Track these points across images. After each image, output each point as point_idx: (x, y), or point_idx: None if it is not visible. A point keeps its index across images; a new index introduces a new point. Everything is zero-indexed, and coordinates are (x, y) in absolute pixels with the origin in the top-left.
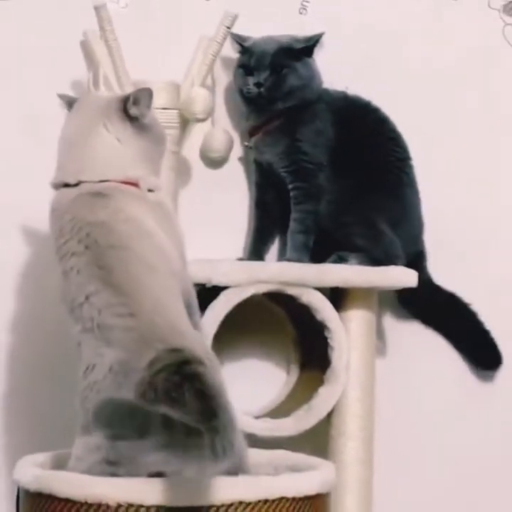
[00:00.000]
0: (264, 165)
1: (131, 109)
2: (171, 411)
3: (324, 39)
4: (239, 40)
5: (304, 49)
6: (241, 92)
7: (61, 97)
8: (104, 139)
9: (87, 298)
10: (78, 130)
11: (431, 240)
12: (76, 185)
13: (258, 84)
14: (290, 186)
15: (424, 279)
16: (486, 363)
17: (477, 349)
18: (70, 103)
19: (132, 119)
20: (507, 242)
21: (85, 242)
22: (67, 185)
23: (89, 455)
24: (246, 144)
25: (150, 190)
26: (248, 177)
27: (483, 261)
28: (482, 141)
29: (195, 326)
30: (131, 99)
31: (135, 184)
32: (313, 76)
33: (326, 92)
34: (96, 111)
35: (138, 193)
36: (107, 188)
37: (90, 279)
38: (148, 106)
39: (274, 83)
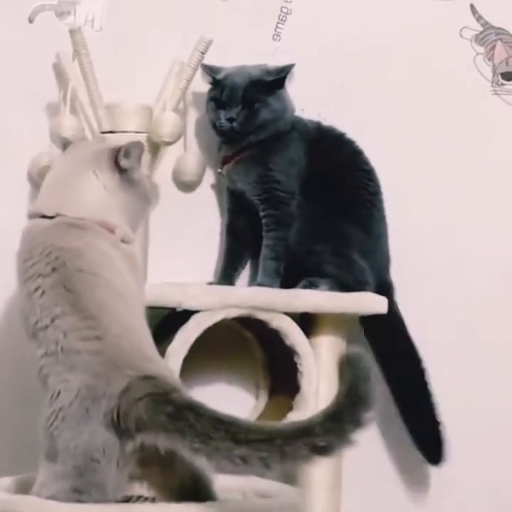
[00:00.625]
0: (236, 193)
1: (122, 160)
2: (164, 438)
3: (298, 63)
4: (210, 73)
5: (275, 81)
6: (213, 125)
7: (59, 139)
8: (92, 184)
9: (52, 320)
10: (67, 171)
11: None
12: (52, 217)
13: (230, 120)
14: (262, 213)
15: (391, 311)
16: (429, 456)
17: (425, 439)
18: (64, 145)
19: (121, 171)
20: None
21: (53, 265)
22: (43, 216)
23: (55, 482)
24: (219, 171)
25: (123, 241)
26: (220, 202)
27: (450, 286)
28: (452, 166)
29: None
30: (122, 151)
31: (111, 230)
32: (285, 108)
33: (300, 120)
34: (88, 157)
35: (112, 237)
36: (84, 223)
37: (57, 301)
38: (139, 160)
39: (246, 118)
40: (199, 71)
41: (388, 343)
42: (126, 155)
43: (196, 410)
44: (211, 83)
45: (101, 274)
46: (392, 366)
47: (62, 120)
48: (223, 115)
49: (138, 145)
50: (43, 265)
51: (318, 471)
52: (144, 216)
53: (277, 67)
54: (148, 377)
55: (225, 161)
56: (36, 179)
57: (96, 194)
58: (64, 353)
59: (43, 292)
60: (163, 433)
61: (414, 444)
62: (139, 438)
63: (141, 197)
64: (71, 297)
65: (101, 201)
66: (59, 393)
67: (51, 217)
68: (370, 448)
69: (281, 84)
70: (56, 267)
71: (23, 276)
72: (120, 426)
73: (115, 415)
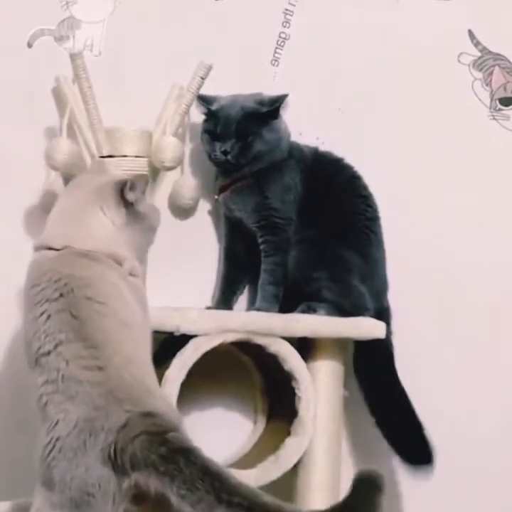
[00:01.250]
0: (233, 220)
1: (128, 194)
2: (155, 479)
3: (295, 87)
4: (205, 103)
5: (270, 112)
6: (209, 156)
7: (62, 172)
8: (100, 220)
9: (55, 347)
10: (74, 206)
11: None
12: (60, 250)
13: (225, 152)
14: (260, 240)
15: (387, 336)
16: (417, 459)
17: (408, 446)
18: (66, 178)
19: (128, 205)
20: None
21: (61, 290)
22: (50, 248)
23: (52, 510)
24: (216, 198)
25: (131, 274)
26: (217, 227)
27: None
28: (450, 190)
29: None
30: (128, 185)
31: (119, 263)
32: (280, 138)
33: (296, 147)
34: (94, 192)
35: (119, 269)
36: (93, 254)
37: (61, 327)
38: (144, 192)
39: (240, 150)
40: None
41: (373, 366)
42: (132, 188)
43: (188, 456)
44: (206, 114)
45: (108, 304)
46: (373, 389)
47: (57, 143)
48: (218, 147)
49: (143, 178)
50: (50, 291)
51: (317, 497)
52: (151, 244)
53: (271, 98)
54: (147, 414)
55: (221, 189)
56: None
57: (104, 230)
58: (65, 381)
59: (49, 317)
60: (154, 473)
61: (401, 457)
62: (133, 476)
63: (148, 229)
64: (76, 324)
65: (109, 236)
66: (57, 423)
67: (58, 250)
68: None
69: (275, 114)
70: (64, 292)
71: (29, 302)
72: (116, 462)
73: (112, 451)
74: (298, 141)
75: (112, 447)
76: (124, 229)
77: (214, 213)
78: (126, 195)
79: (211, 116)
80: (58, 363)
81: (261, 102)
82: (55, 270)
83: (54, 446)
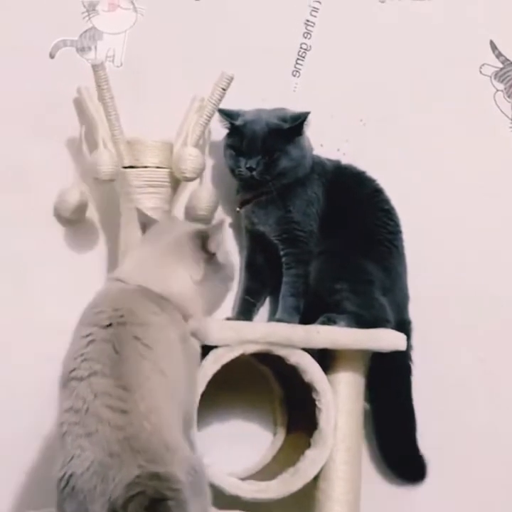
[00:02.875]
0: (255, 232)
1: (210, 246)
2: None
3: (316, 99)
4: (228, 118)
5: (293, 129)
6: (232, 171)
7: (139, 215)
8: (179, 273)
9: (89, 376)
10: (155, 255)
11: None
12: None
13: (250, 169)
14: (282, 252)
15: (407, 350)
16: (409, 476)
17: (401, 461)
18: (144, 224)
19: (208, 257)
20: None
21: (114, 320)
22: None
23: None
24: (237, 210)
25: (192, 335)
26: (238, 239)
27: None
28: (473, 202)
29: (187, 439)
30: (209, 237)
31: (186, 319)
32: (304, 155)
33: (318, 161)
34: (175, 245)
35: (182, 326)
36: (164, 301)
37: (100, 358)
38: (222, 241)
39: (265, 167)
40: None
41: (389, 379)
42: (213, 239)
43: None
44: (229, 128)
45: (153, 350)
46: (383, 400)
47: (100, 155)
48: (243, 164)
49: (220, 226)
50: (104, 317)
51: (337, 509)
52: (227, 293)
53: (294, 114)
54: (154, 476)
55: (243, 203)
56: (65, 216)
57: (182, 282)
58: (87, 415)
59: (92, 341)
60: None
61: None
62: None
63: (224, 280)
64: (115, 359)
65: (185, 289)
66: (72, 458)
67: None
68: (391, 492)
69: (299, 131)
70: (115, 323)
71: (82, 320)
72: None
73: (116, 506)
74: (319, 154)
75: (117, 502)
76: (201, 283)
77: (235, 225)
78: (208, 246)
79: (235, 131)
80: (86, 394)
81: (284, 119)
82: (118, 300)
83: (67, 482)
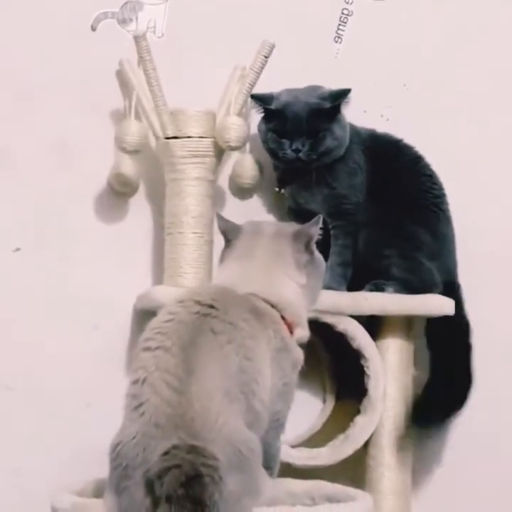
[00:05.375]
0: (302, 211)
1: (312, 245)
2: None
3: (358, 64)
4: (262, 104)
5: (335, 107)
6: (275, 155)
7: (219, 220)
8: (286, 283)
9: (157, 348)
10: (258, 268)
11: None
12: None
13: (296, 151)
14: (330, 226)
15: (458, 312)
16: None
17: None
18: (227, 231)
19: (310, 257)
20: None
21: (202, 311)
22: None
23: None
24: (277, 190)
25: (297, 341)
26: (278, 207)
27: None
28: None
29: (266, 439)
30: (308, 236)
31: (290, 327)
32: (346, 132)
33: (355, 131)
34: (278, 252)
35: (287, 339)
36: (268, 311)
37: (173, 337)
38: (315, 239)
39: (311, 148)
40: (262, 77)
41: (447, 344)
42: (311, 239)
43: (196, 508)
44: (265, 112)
45: (227, 348)
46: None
47: (127, 126)
48: (288, 146)
49: (318, 223)
50: (194, 304)
51: (387, 475)
52: (321, 288)
53: (333, 92)
54: (192, 449)
55: (284, 183)
56: (114, 186)
57: (291, 292)
58: (144, 385)
59: (171, 320)
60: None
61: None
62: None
63: (320, 276)
64: (186, 343)
65: (295, 298)
66: (124, 428)
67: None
68: (442, 457)
69: (339, 108)
70: (201, 313)
71: (178, 298)
72: (152, 488)
73: (151, 475)
74: (363, 121)
75: (152, 470)
76: (305, 287)
77: (276, 200)
78: (311, 247)
79: (274, 114)
80: (149, 365)
81: (323, 97)
82: (221, 297)
83: (114, 450)
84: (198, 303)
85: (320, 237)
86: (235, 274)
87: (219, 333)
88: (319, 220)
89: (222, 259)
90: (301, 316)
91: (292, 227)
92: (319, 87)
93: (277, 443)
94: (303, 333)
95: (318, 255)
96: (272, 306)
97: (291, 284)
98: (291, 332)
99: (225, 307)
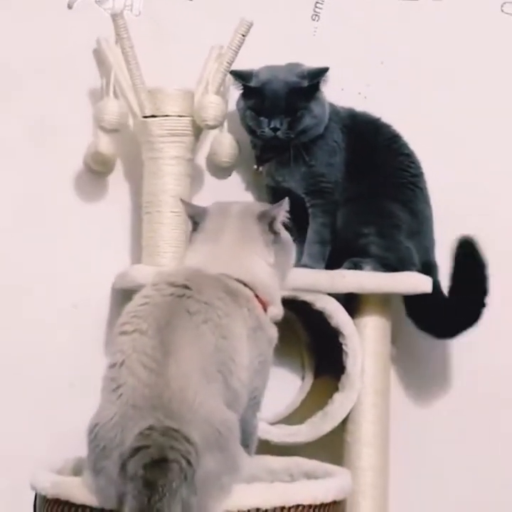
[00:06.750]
0: (279, 189)
1: (276, 225)
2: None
3: (336, 42)
4: (241, 80)
5: (314, 86)
6: (253, 132)
7: (185, 206)
8: (257, 262)
9: (133, 331)
10: (227, 248)
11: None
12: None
13: (274, 129)
14: (308, 204)
15: (436, 291)
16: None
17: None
18: (194, 214)
19: (275, 237)
20: None
21: (177, 292)
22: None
23: (99, 493)
24: (256, 168)
25: (272, 320)
26: (256, 187)
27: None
28: (494, 144)
29: (244, 417)
30: (271, 217)
31: (263, 305)
32: (325, 110)
33: (334, 109)
34: (245, 233)
35: (261, 317)
36: (242, 291)
37: (150, 320)
38: (280, 220)
39: (289, 126)
40: (240, 57)
41: (431, 320)
42: (275, 218)
43: (154, 494)
44: (244, 90)
45: (202, 328)
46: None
47: (107, 105)
48: (265, 124)
49: (283, 205)
50: (167, 286)
51: (365, 452)
52: (292, 266)
53: (311, 70)
54: (166, 431)
55: (263, 161)
56: (91, 165)
57: (262, 270)
58: (122, 368)
59: (147, 303)
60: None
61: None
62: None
63: (289, 256)
64: (162, 325)
65: (267, 276)
66: (102, 409)
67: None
68: (420, 433)
69: (318, 87)
70: (176, 294)
71: (151, 282)
72: (123, 470)
73: (126, 455)
74: (340, 98)
75: (127, 451)
76: (274, 266)
77: (252, 178)
78: (275, 227)
79: (253, 92)
80: (127, 348)
81: (302, 75)
82: (194, 278)
83: (92, 431)
84: (172, 284)
85: (288, 218)
86: (205, 255)
87: (194, 314)
88: (285, 202)
89: (190, 243)
90: (274, 294)
91: (258, 206)
92: (299, 64)
93: (254, 420)
94: (276, 310)
95: (284, 234)
96: (245, 285)
97: (261, 262)
98: (265, 310)
99: (199, 287)
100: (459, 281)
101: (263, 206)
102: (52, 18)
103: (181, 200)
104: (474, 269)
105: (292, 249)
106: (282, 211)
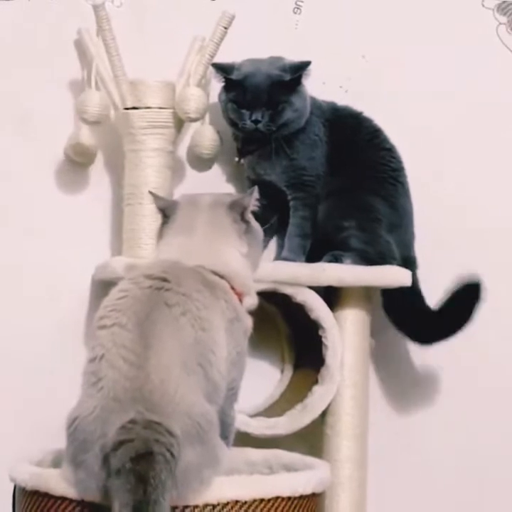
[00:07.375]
0: (261, 182)
1: (247, 215)
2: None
3: (317, 36)
4: (223, 73)
5: (295, 80)
6: (234, 125)
7: (155, 199)
8: (230, 252)
9: (113, 325)
10: (201, 240)
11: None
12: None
13: (255, 122)
14: (289, 197)
15: (413, 285)
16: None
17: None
18: (164, 207)
19: (247, 227)
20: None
21: (155, 285)
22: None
23: (78, 485)
24: (237, 160)
25: (247, 310)
26: (238, 179)
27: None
28: (475, 139)
29: (223, 408)
30: (242, 207)
31: (239, 296)
32: (306, 104)
33: (314, 103)
34: (216, 224)
35: (238, 308)
36: (217, 283)
37: (128, 313)
38: (250, 209)
39: (270, 119)
40: (222, 49)
41: (407, 315)
42: (246, 207)
43: (138, 488)
44: (226, 82)
45: (182, 320)
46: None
47: (89, 96)
48: (247, 116)
49: (253, 194)
50: (145, 279)
51: (345, 444)
52: (263, 253)
53: (293, 64)
54: (148, 425)
55: (243, 153)
56: (71, 156)
57: (235, 260)
58: (102, 361)
59: (125, 297)
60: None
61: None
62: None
63: (259, 245)
64: (142, 318)
65: (240, 266)
66: (82, 402)
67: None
68: (399, 426)
69: (300, 80)
70: (154, 287)
71: (127, 276)
72: (106, 463)
73: (107, 448)
74: (322, 92)
75: (108, 443)
76: (247, 255)
77: (234, 170)
78: (245, 217)
79: (234, 84)
80: (106, 342)
81: (284, 69)
82: (170, 267)
83: (72, 424)
84: (150, 277)
85: (258, 208)
86: (178, 248)
87: (173, 306)
88: (254, 191)
89: (161, 236)
90: (248, 284)
91: (227, 197)
92: (281, 58)
93: (232, 412)
94: (251, 301)
95: (254, 224)
96: (221, 277)
97: (235, 253)
98: (241, 301)
99: (178, 279)
100: (449, 307)
101: (233, 196)
102: (34, 8)
103: (150, 192)
104: (470, 307)
105: (261, 238)
106: (252, 200)
